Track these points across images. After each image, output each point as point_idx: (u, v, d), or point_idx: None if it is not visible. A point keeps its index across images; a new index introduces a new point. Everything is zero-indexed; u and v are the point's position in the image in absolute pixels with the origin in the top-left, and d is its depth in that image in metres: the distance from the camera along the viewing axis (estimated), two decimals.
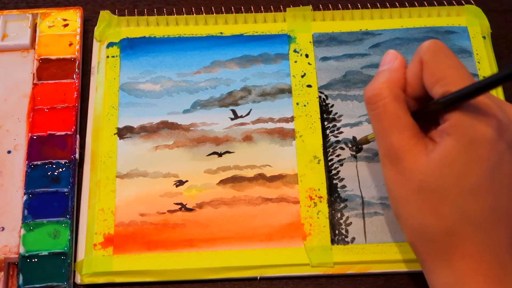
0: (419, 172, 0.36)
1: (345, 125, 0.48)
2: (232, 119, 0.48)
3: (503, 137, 0.35)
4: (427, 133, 0.38)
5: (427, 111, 0.37)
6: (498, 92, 0.49)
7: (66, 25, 0.51)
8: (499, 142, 0.35)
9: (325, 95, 0.49)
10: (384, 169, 0.38)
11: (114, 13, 0.52)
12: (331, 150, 0.47)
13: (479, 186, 0.35)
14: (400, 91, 0.38)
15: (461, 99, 0.35)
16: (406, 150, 0.37)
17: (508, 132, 0.35)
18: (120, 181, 0.46)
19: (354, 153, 0.47)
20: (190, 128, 0.48)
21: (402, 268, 0.43)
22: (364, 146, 0.47)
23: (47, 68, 0.49)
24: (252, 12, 0.52)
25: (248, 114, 0.48)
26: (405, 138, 0.37)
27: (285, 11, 0.52)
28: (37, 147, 0.46)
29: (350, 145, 0.47)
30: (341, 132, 0.48)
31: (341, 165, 0.47)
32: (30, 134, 0.47)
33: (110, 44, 0.51)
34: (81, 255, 0.44)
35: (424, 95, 0.38)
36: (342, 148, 0.47)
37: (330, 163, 0.47)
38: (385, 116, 0.38)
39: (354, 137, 0.47)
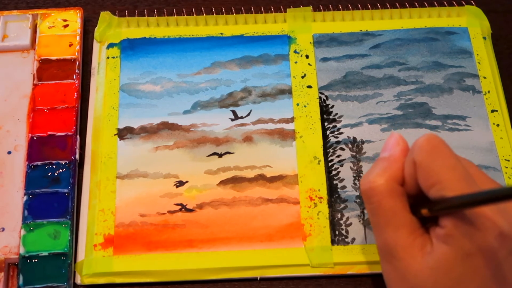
0: (414, 275, 0.34)
1: (345, 126, 0.48)
2: (232, 119, 0.48)
3: (504, 245, 0.33)
4: (428, 225, 0.36)
5: (422, 216, 0.35)
6: (498, 93, 0.49)
7: (66, 26, 0.51)
8: (498, 251, 0.33)
9: (325, 96, 0.49)
10: (381, 262, 0.37)
11: (115, 14, 0.52)
12: (331, 151, 0.47)
13: None
14: (398, 185, 0.36)
15: (456, 208, 0.33)
16: (401, 250, 0.35)
17: (509, 239, 0.33)
18: (120, 182, 0.46)
19: (354, 153, 0.47)
20: (191, 129, 0.48)
21: None
22: (364, 146, 0.47)
23: (47, 69, 0.49)
24: (252, 13, 0.52)
25: (248, 114, 0.48)
26: (401, 236, 0.35)
27: (285, 11, 0.52)
28: (37, 148, 0.46)
29: (350, 146, 0.47)
30: (341, 133, 0.48)
31: (341, 165, 0.46)
32: (30, 135, 0.47)
33: (111, 45, 0.51)
34: (81, 255, 0.44)
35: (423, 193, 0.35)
36: (342, 149, 0.47)
37: (330, 164, 0.47)
38: (380, 212, 0.36)
39: (354, 138, 0.47)
